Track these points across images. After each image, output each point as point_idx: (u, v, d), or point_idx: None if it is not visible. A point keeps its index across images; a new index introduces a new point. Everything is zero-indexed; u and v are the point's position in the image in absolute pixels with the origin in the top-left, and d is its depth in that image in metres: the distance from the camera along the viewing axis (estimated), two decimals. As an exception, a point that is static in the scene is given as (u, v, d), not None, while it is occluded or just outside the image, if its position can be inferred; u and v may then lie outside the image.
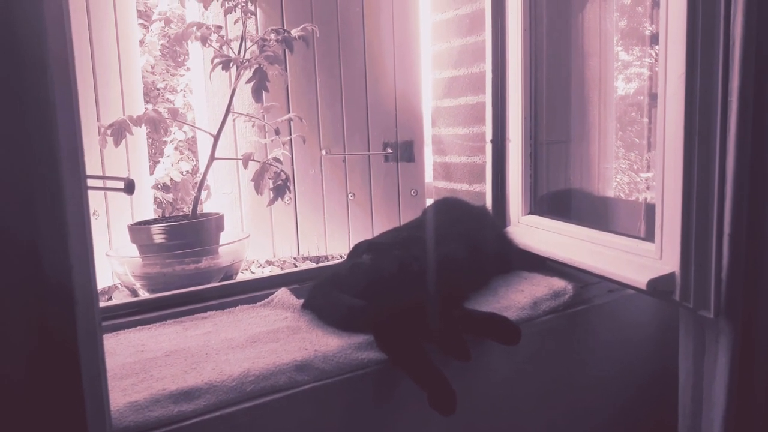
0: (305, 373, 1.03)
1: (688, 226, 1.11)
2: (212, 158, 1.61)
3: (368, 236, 2.17)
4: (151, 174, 5.29)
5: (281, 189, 1.60)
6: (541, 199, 1.69)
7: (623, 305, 1.45)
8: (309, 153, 2.06)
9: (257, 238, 2.08)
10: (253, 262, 2.15)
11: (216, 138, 1.61)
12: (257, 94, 1.54)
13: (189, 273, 1.47)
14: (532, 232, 1.60)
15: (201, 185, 1.61)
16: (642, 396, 1.49)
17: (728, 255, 1.08)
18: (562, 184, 1.77)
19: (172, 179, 5.27)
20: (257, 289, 1.40)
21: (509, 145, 1.70)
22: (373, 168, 2.11)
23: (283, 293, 1.36)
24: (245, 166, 1.57)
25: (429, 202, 2.20)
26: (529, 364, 1.30)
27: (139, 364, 1.04)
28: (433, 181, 2.07)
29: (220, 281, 1.52)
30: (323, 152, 2.08)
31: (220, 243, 1.60)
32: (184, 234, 1.52)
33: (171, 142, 5.28)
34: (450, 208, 1.69)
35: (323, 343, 1.11)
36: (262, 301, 1.35)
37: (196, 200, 1.60)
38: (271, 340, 1.14)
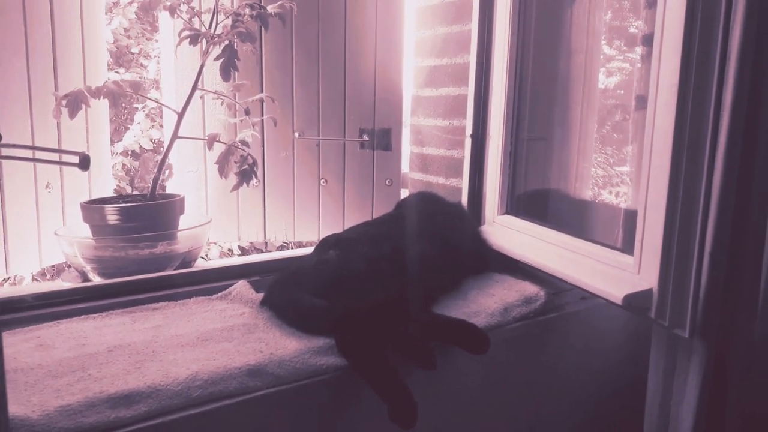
0: (258, 378, 0.97)
1: (670, 242, 1.06)
2: (175, 137, 1.51)
3: (339, 224, 2.11)
4: (120, 141, 5.13)
5: (247, 174, 1.52)
6: (518, 199, 1.63)
7: (595, 314, 1.41)
8: (281, 135, 1.97)
9: (222, 220, 1.99)
10: (212, 243, 2.06)
11: (180, 116, 1.52)
12: (225, 73, 1.45)
13: (143, 258, 1.38)
14: (507, 233, 1.55)
15: (162, 164, 1.52)
16: (610, 407, 1.46)
17: (707, 274, 1.04)
18: (540, 184, 1.72)
19: (141, 147, 5.13)
20: (215, 280, 1.32)
21: (489, 141, 1.64)
22: (348, 154, 2.04)
23: (241, 286, 1.28)
24: (210, 147, 1.49)
25: (404, 192, 2.13)
26: (496, 372, 1.25)
27: (77, 360, 0.96)
28: (409, 171, 2.01)
29: (176, 268, 1.44)
30: (296, 135, 1.99)
31: (180, 227, 1.51)
32: (141, 216, 1.42)
33: (142, 108, 5.11)
34: (424, 203, 1.63)
35: (280, 346, 1.05)
36: (219, 294, 1.28)
37: (156, 181, 1.51)
38: (224, 339, 1.07)
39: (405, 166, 2.08)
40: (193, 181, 1.96)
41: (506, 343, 1.25)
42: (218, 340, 1.07)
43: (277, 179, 1.99)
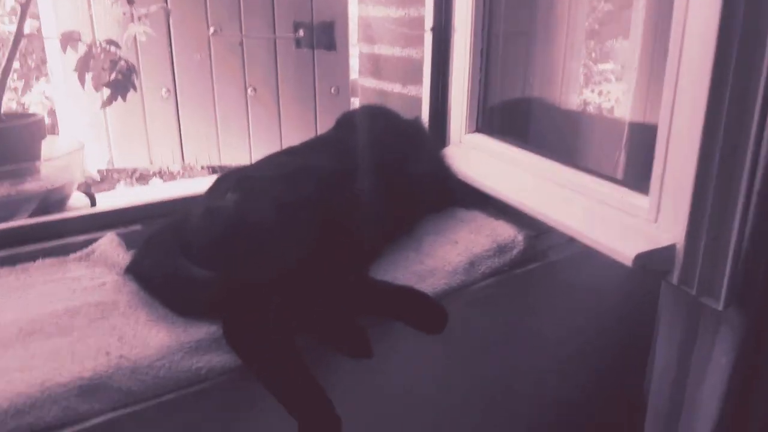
0: (94, 398, 0.64)
1: (705, 178, 0.73)
2: (19, 36, 1.10)
3: (275, 142, 1.73)
4: None
5: (121, 85, 1.12)
6: (491, 112, 1.28)
7: (588, 261, 1.09)
8: (192, 32, 1.55)
9: (128, 141, 1.61)
10: (120, 174, 1.69)
11: (24, 7, 1.09)
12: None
13: (-20, 203, 1.02)
14: (477, 157, 1.20)
15: (5, 74, 1.10)
16: (607, 381, 1.18)
17: (753, 222, 0.73)
18: (519, 92, 1.36)
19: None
20: (80, 231, 0.97)
21: (455, 36, 1.26)
22: (281, 56, 1.63)
23: (108, 242, 0.93)
24: (63, 48, 1.08)
25: (356, 104, 1.75)
26: (457, 349, 0.95)
27: None
28: (359, 77, 1.62)
29: (31, 214, 1.07)
30: (212, 31, 1.57)
31: (41, 157, 1.13)
32: (-27, 145, 1.04)
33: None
34: (371, 120, 1.26)
35: (139, 341, 0.71)
36: (78, 253, 0.93)
37: (-2, 96, 1.10)
38: (59, 331, 0.73)
39: (355, 72, 1.69)
40: (87, 96, 1.56)
41: (470, 307, 0.94)
42: (50, 332, 0.73)
43: (193, 88, 1.59)
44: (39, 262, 0.90)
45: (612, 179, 0.91)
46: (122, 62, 1.13)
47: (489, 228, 1.06)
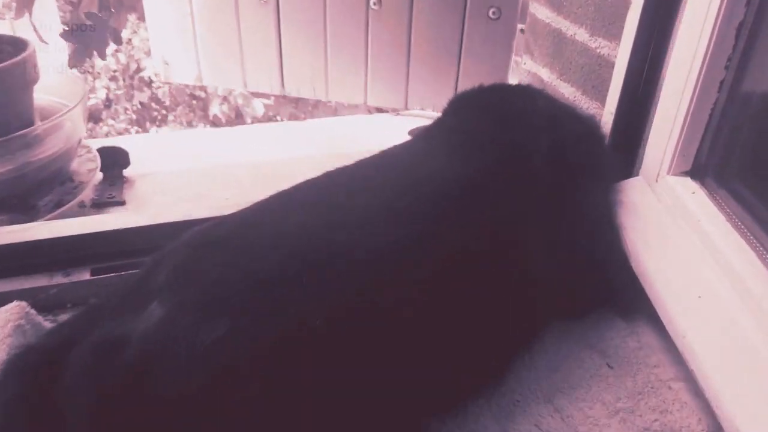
0: None
1: None
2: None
3: (400, 81, 1.26)
4: None
5: (91, 38, 0.72)
6: (732, 134, 0.68)
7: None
8: None
9: (219, 55, 1.26)
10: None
11: None
12: None
13: None
14: (674, 230, 0.65)
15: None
16: None
17: None
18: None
19: None
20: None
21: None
22: (421, -46, 1.09)
23: (4, 315, 0.61)
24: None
25: (520, 38, 1.17)
26: None
27: None
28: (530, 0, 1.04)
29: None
30: None
31: (32, 116, 0.79)
32: None
33: None
34: (515, 118, 0.73)
35: None
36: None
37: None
38: None
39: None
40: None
41: None
42: None
43: (298, -6, 1.15)
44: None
45: None
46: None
47: (654, 396, 0.56)
